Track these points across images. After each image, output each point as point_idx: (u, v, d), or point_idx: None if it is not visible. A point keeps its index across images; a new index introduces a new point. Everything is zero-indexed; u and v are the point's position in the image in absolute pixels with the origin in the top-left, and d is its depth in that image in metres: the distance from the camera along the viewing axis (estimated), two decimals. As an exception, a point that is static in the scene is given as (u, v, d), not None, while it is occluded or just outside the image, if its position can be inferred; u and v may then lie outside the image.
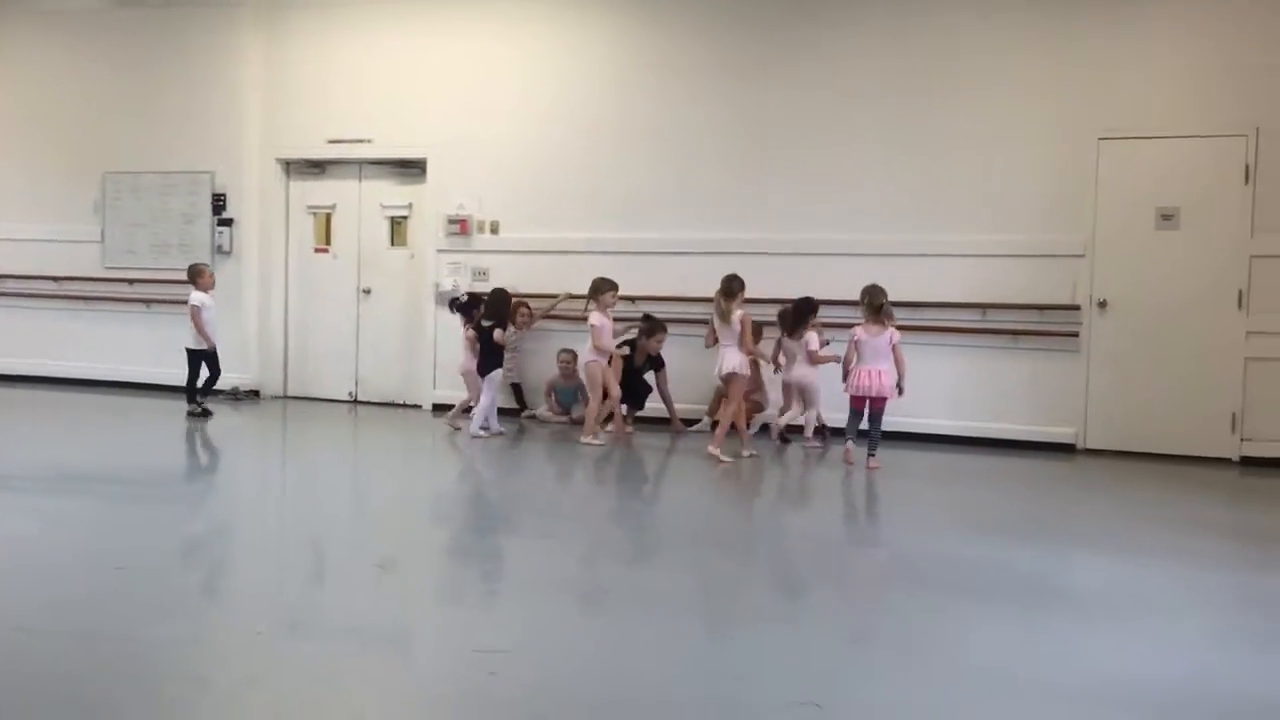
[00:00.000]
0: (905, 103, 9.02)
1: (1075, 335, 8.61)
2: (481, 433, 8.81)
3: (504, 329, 9.00)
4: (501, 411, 9.25)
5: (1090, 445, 8.62)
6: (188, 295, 9.90)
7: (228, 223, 10.97)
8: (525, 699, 3.39)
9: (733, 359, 8.09)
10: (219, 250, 10.96)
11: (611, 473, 7.86)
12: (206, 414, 9.62)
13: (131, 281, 11.30)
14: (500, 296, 9.15)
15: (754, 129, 9.42)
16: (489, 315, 9.01)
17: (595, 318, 8.64)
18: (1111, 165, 8.53)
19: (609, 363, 8.85)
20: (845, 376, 8.00)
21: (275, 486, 7.61)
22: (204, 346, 9.77)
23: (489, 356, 8.94)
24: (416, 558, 5.35)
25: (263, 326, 11.00)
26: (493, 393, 8.95)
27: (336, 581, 4.91)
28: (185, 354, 9.84)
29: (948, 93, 8.92)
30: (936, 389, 8.76)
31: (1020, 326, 8.71)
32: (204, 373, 9.83)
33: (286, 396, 11.06)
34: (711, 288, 8.84)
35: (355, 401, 10.86)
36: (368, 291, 10.83)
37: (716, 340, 8.32)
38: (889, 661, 3.82)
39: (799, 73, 9.29)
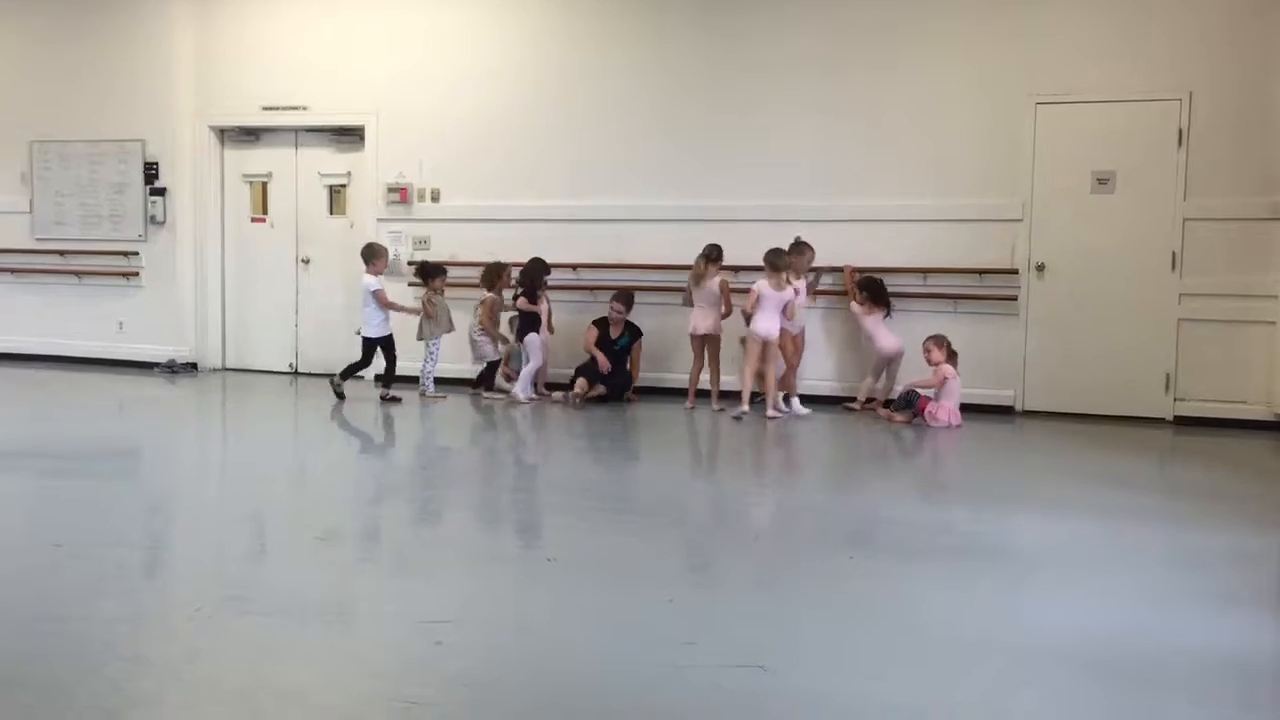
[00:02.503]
0: (844, 69, 9.03)
1: (1013, 299, 8.72)
2: (534, 396, 9.07)
3: (529, 299, 9.05)
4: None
5: (1028, 407, 8.76)
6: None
7: (160, 192, 10.74)
8: (472, 669, 3.39)
9: (706, 320, 8.69)
10: (152, 220, 10.75)
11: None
12: (394, 399, 8.93)
13: (63, 253, 11.05)
14: (532, 265, 9.15)
15: (694, 97, 9.39)
16: (520, 283, 9.14)
17: (793, 290, 8.48)
18: (1048, 129, 8.62)
19: (595, 337, 9.11)
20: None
21: (218, 460, 7.50)
22: (385, 333, 9.10)
23: (521, 324, 9.17)
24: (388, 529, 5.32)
25: (199, 298, 10.81)
26: (536, 359, 9.10)
27: (278, 555, 4.86)
28: (361, 341, 9.15)
29: (886, 59, 8.95)
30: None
31: (960, 291, 8.80)
32: (355, 363, 9.23)
33: (225, 369, 10.91)
34: (652, 255, 8.95)
35: (296, 373, 10.73)
36: (306, 261, 10.68)
37: (691, 302, 8.80)
38: (833, 623, 3.86)
39: (738, 41, 9.25)
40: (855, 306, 8.77)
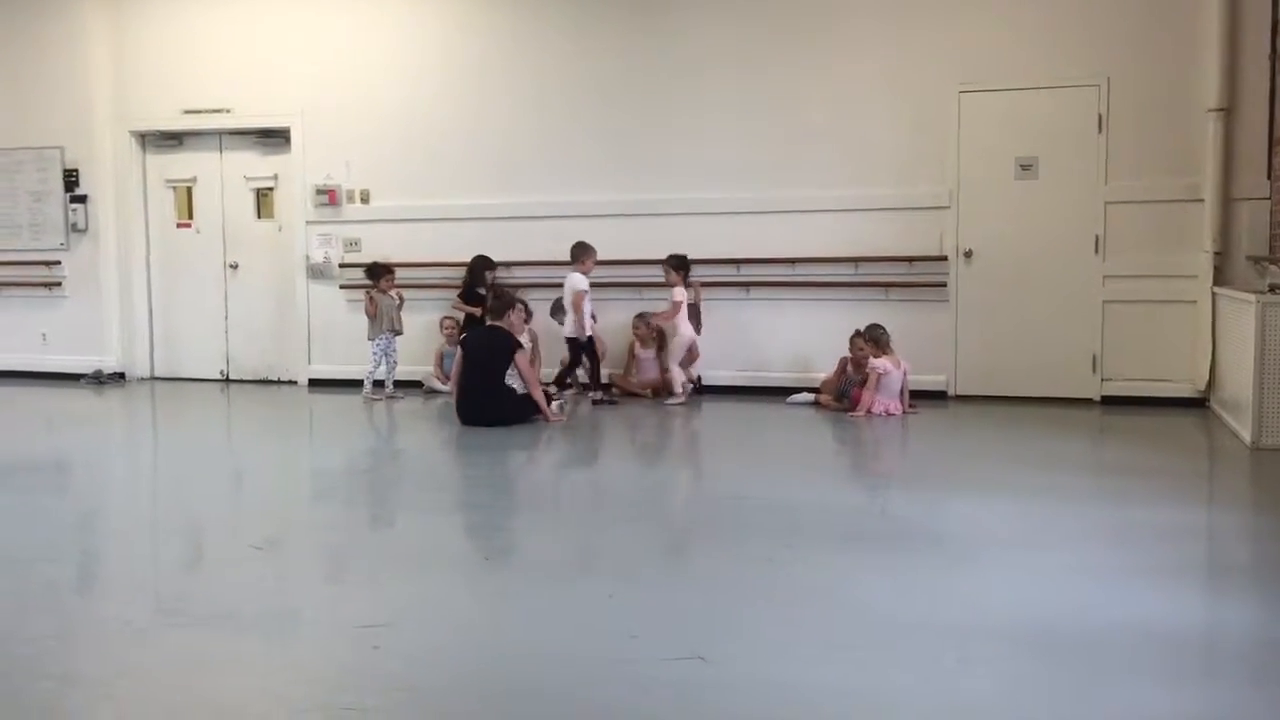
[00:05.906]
0: (768, 60, 9.08)
1: (943, 285, 8.83)
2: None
3: (467, 299, 9.15)
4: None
5: (960, 392, 8.87)
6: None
7: (81, 199, 10.50)
8: (411, 671, 3.36)
9: None
10: (74, 229, 10.51)
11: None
12: (612, 401, 8.76)
13: (-20, 265, 10.79)
14: (474, 264, 9.24)
15: (618, 91, 9.40)
16: (464, 283, 9.25)
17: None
18: (971, 117, 8.73)
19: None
20: None
21: (145, 471, 7.36)
22: (587, 334, 8.77)
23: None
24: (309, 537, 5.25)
25: (124, 306, 10.59)
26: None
27: (213, 566, 4.78)
28: (566, 343, 8.91)
29: (810, 49, 9.01)
30: (813, 343, 8.95)
31: (891, 279, 8.89)
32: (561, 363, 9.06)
33: (154, 378, 10.70)
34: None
35: (227, 380, 10.57)
36: (235, 266, 10.52)
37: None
38: (769, 611, 3.88)
39: (660, 32, 9.28)
40: (679, 290, 8.77)
